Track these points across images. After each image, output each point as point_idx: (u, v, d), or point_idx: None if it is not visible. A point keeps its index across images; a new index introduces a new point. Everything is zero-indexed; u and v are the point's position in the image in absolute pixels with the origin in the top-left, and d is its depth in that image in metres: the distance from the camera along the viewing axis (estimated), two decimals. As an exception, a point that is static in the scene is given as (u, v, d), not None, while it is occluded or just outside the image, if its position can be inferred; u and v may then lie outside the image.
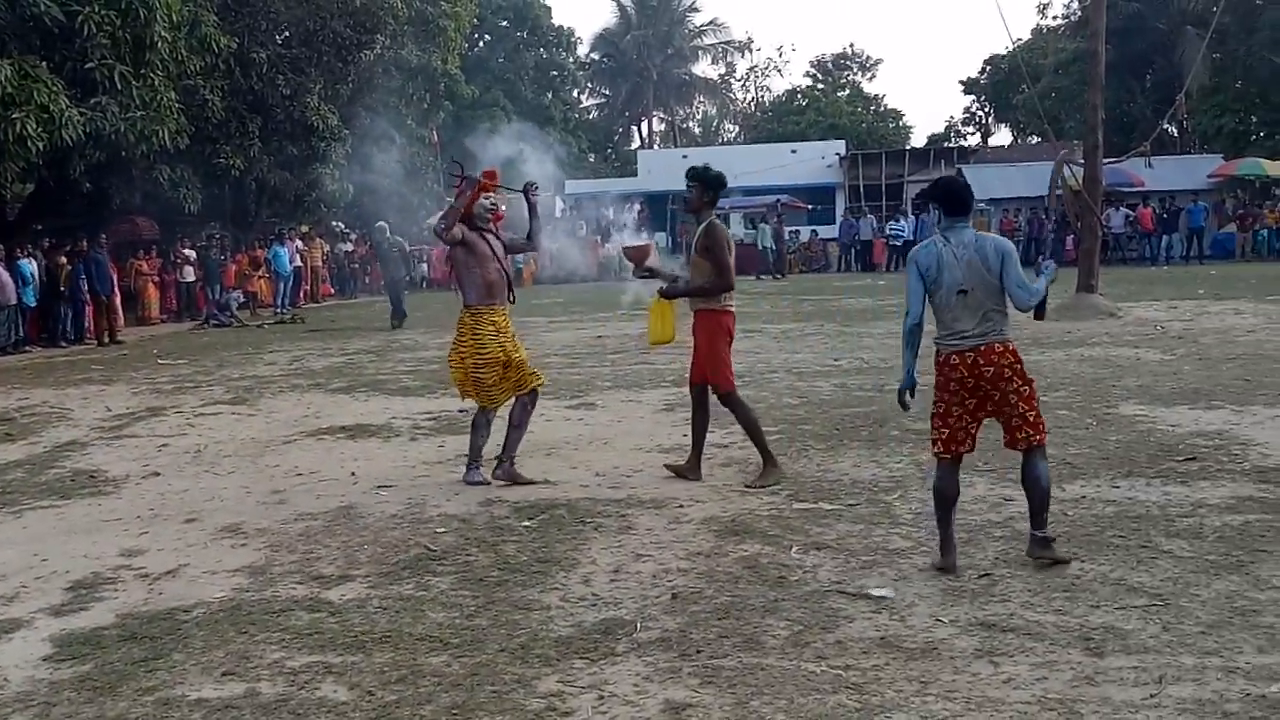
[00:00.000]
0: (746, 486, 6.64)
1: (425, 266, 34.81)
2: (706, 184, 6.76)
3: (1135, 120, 38.40)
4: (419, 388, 11.51)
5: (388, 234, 20.42)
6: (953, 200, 5.18)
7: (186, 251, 24.81)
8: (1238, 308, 16.04)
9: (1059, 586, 4.70)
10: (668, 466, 7.07)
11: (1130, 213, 30.53)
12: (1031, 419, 5.09)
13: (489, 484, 6.84)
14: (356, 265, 32.50)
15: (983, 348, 5.07)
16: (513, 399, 7.05)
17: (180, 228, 26.75)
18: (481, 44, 53.81)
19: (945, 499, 5.15)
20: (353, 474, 7.45)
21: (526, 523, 6.01)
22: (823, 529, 5.70)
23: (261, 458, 8.24)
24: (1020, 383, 5.10)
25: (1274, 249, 29.84)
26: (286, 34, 28.46)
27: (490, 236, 7.03)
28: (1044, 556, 5.03)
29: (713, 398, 6.92)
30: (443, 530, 5.94)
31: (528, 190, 7.24)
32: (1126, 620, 4.29)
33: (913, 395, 5.39)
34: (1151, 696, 3.62)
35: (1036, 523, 5.11)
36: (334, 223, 33.04)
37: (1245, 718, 3.44)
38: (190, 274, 24.52)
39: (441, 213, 6.90)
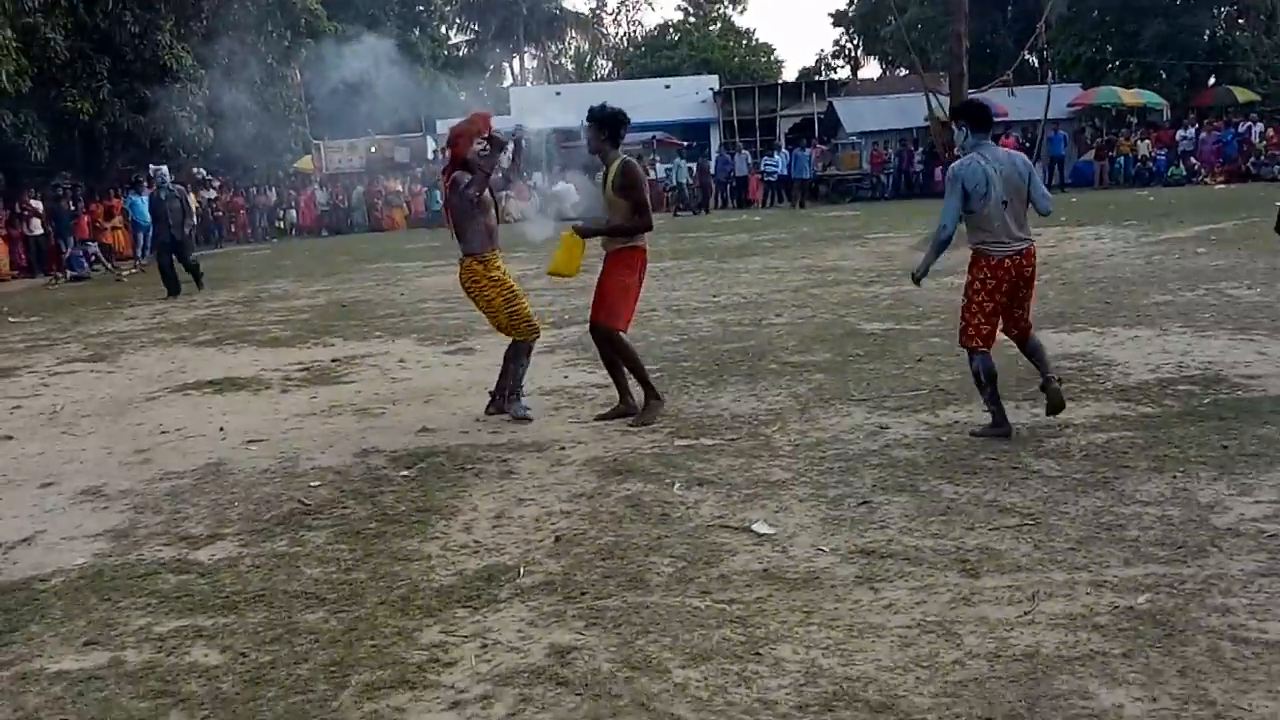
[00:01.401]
0: (629, 425, 6.60)
1: (295, 213, 33.82)
2: (602, 123, 6.57)
3: (998, 51, 39.23)
4: (289, 338, 11.16)
5: (168, 182, 16.98)
6: (979, 118, 5.94)
7: (34, 203, 23.47)
8: (1098, 233, 16.59)
9: (935, 510, 4.79)
10: (600, 418, 6.84)
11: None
12: (1029, 313, 6.09)
13: (531, 419, 6.83)
14: (220, 213, 31.29)
15: (1027, 250, 5.89)
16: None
17: (28, 178, 25.35)
18: (344, -22, 51.89)
19: (993, 376, 5.95)
20: (221, 429, 7.17)
21: (405, 472, 5.86)
22: (704, 464, 5.70)
23: (123, 416, 7.87)
24: (1035, 280, 6.04)
25: (1130, 176, 30.95)
26: (132, -34, 27.00)
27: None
28: (1053, 391, 5.96)
29: None
30: (317, 484, 5.76)
31: (517, 133, 7.07)
32: (1000, 540, 4.39)
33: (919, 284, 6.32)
34: (1026, 614, 3.71)
35: (1044, 371, 6.04)
36: (195, 169, 31.70)
37: (1115, 629, 3.55)
38: (38, 226, 23.23)
39: (469, 179, 6.69)
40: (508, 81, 61.34)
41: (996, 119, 27.38)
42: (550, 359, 8.97)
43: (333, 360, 9.59)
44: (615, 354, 6.75)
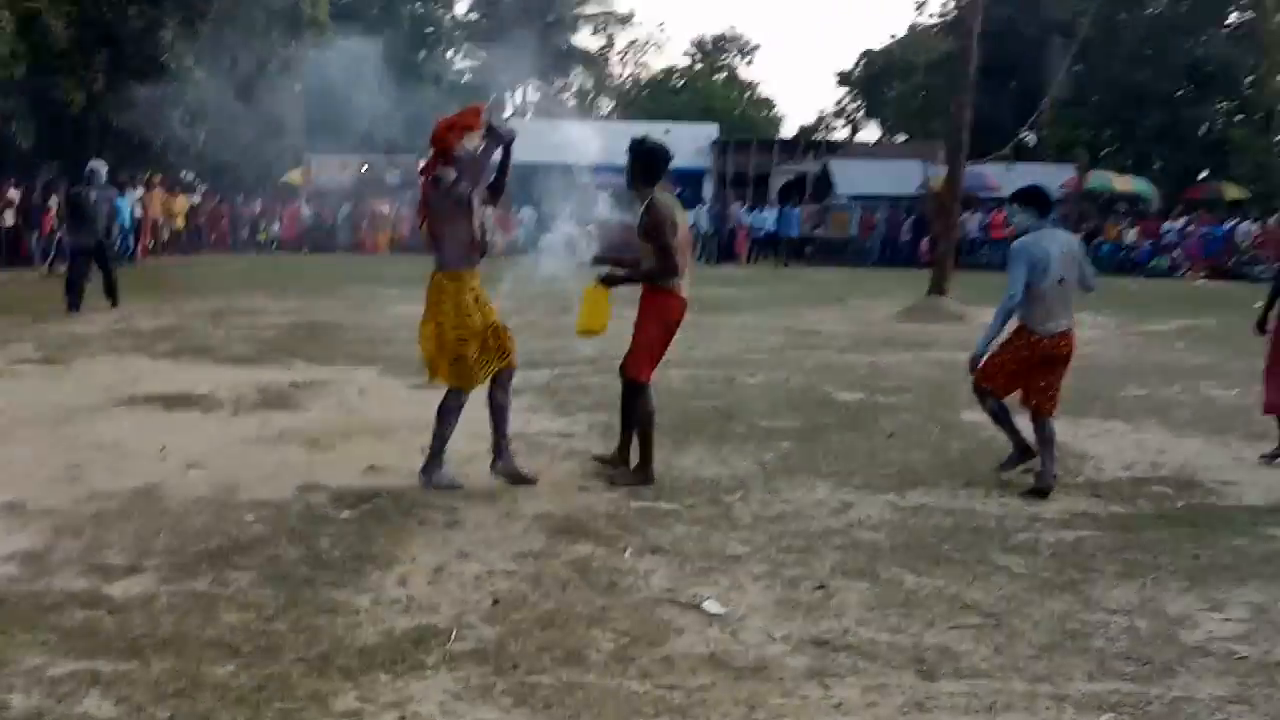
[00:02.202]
0: (610, 479, 6.34)
1: (278, 227, 33.50)
2: (635, 157, 6.20)
3: (997, 126, 39.54)
4: (251, 356, 10.86)
5: (103, 180, 14.65)
6: (1044, 203, 6.47)
7: (11, 193, 23.10)
8: (1078, 319, 16.46)
9: (894, 601, 4.57)
10: (596, 458, 6.64)
11: (984, 217, 31.35)
12: (1056, 393, 6.45)
13: (461, 488, 6.05)
14: (202, 220, 30.96)
15: (1066, 333, 6.37)
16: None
17: (9, 168, 25.02)
18: (354, -9, 52.02)
19: (1006, 412, 6.60)
20: (162, 449, 6.86)
21: (346, 513, 5.59)
22: (660, 530, 5.46)
23: (63, 426, 7.55)
24: (1069, 362, 6.46)
25: (1113, 263, 31.09)
26: (143, -39, 26.88)
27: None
28: (1045, 487, 6.27)
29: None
30: (251, 518, 5.47)
31: (509, 135, 6.00)
32: (960, 641, 4.17)
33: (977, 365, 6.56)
34: (982, 727, 3.49)
35: (1048, 467, 6.35)
36: (183, 172, 31.43)
37: (1073, 755, 3.33)
38: (9, 218, 22.83)
39: (456, 175, 5.85)
40: (509, 112, 61.35)
41: (988, 193, 27.63)
42: (519, 401, 8.68)
43: (291, 384, 9.29)
44: (638, 408, 6.34)
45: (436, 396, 6.46)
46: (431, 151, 6.02)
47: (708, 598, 4.55)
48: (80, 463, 6.52)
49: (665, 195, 6.24)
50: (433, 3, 54.91)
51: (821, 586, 4.73)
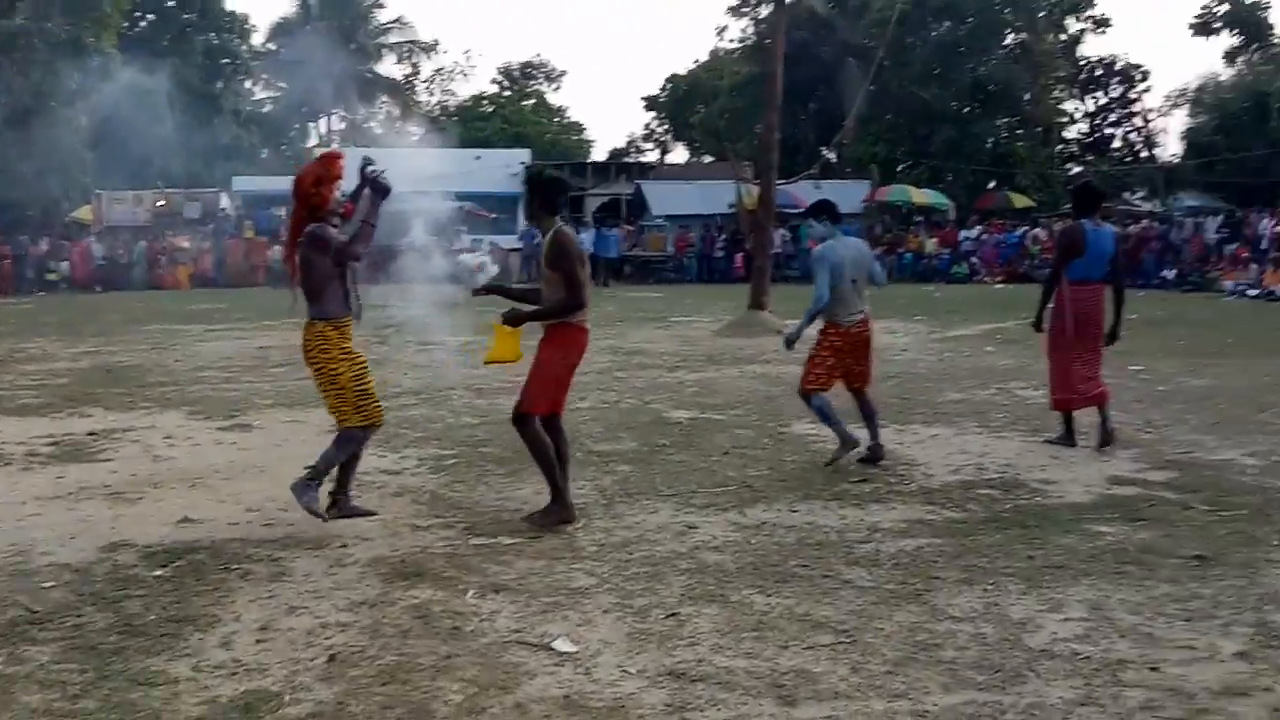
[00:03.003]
0: (523, 519, 6.01)
1: (67, 265, 31.54)
2: (533, 188, 6.12)
3: (799, 144, 40.80)
4: (41, 406, 10.04)
5: None
6: (836, 213, 7.53)
7: None
8: (890, 327, 16.99)
9: (747, 625, 4.49)
10: (525, 520, 6.05)
11: (788, 234, 32.26)
12: (869, 369, 7.51)
13: (325, 520, 5.78)
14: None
15: (864, 320, 7.37)
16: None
17: None
18: (145, 24, 49.70)
19: (831, 408, 7.39)
20: (-58, 513, 6.22)
21: (158, 571, 5.15)
22: (501, 567, 5.25)
23: None
24: (871, 344, 7.53)
25: (915, 272, 32.45)
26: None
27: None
28: (878, 457, 7.39)
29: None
30: (50, 584, 4.97)
31: (372, 170, 5.92)
32: (816, 661, 4.12)
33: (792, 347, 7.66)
34: (847, 753, 3.41)
35: (873, 434, 7.48)
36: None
37: (940, 772, 3.29)
38: None
39: (352, 234, 5.72)
40: (312, 141, 59.70)
41: (795, 209, 28.40)
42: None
43: (89, 434, 8.60)
44: (526, 443, 6.04)
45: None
46: (296, 204, 5.87)
47: (557, 636, 4.37)
48: None
49: (567, 226, 6.12)
50: (228, 32, 52.91)
51: (673, 614, 4.61)
